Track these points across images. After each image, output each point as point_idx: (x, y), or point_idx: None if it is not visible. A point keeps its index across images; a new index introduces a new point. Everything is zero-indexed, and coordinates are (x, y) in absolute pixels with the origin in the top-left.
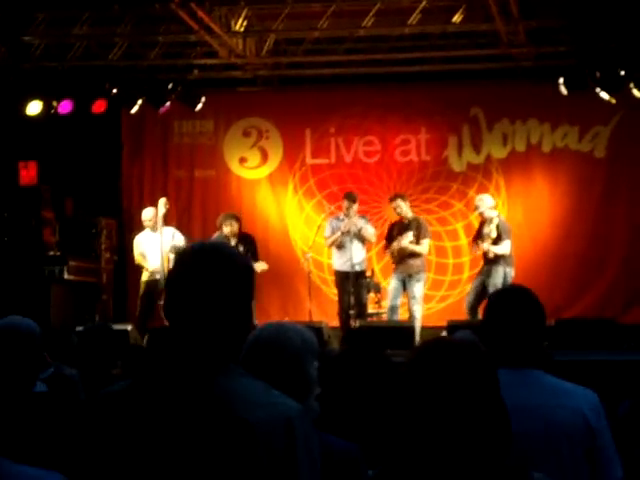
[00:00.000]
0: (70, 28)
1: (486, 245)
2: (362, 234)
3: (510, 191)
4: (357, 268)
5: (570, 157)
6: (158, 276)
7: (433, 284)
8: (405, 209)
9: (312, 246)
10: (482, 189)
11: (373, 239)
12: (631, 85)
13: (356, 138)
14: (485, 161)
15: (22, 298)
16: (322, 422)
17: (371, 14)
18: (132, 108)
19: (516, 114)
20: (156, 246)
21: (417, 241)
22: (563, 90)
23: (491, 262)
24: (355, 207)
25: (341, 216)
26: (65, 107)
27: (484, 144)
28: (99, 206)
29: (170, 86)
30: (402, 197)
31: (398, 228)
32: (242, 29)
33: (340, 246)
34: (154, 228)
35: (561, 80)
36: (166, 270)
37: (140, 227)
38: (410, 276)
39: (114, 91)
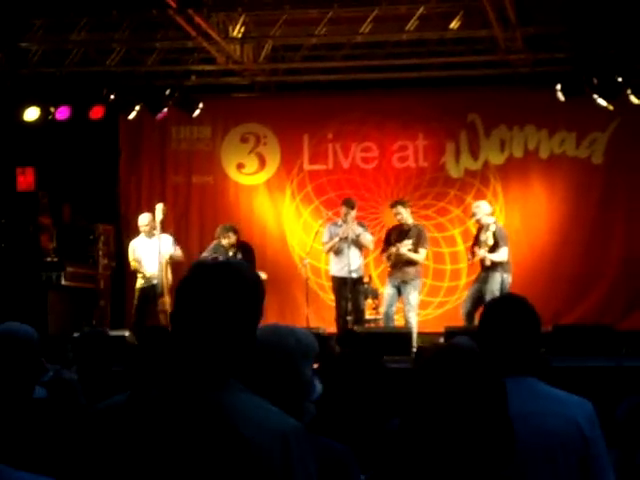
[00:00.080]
0: (68, 34)
1: (482, 252)
2: (360, 241)
3: (507, 197)
4: (354, 274)
5: (567, 163)
6: (155, 282)
7: (430, 290)
8: (406, 215)
9: (310, 252)
10: (480, 195)
11: (371, 246)
12: (628, 91)
13: (354, 144)
14: (483, 167)
15: (19, 304)
16: (316, 424)
17: (369, 20)
18: (130, 114)
19: (514, 120)
20: (153, 252)
21: (415, 249)
22: (560, 96)
23: (488, 269)
24: (353, 213)
25: (339, 222)
26: (63, 113)
27: (482, 150)
28: (97, 212)
29: (168, 92)
30: (403, 203)
31: (397, 233)
32: (240, 35)
33: (338, 252)
34: (150, 234)
35: (558, 86)
36: (164, 276)
37: (138, 233)
38: (405, 283)
39: (112, 97)
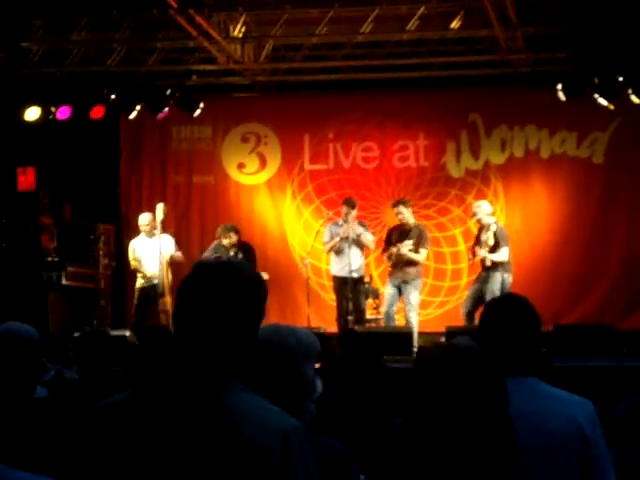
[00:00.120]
0: (68, 34)
1: (483, 252)
2: (361, 240)
3: (508, 197)
4: (355, 274)
5: (568, 163)
6: (156, 281)
7: (431, 290)
8: (407, 215)
9: (310, 252)
10: (480, 195)
11: (372, 246)
12: (629, 91)
13: (354, 144)
14: (483, 167)
15: (20, 304)
16: (316, 424)
17: (369, 20)
18: (130, 114)
19: (514, 120)
20: (153, 252)
21: (416, 249)
22: (561, 96)
23: (489, 269)
24: (354, 213)
25: (340, 222)
26: (63, 113)
27: (482, 150)
28: (97, 212)
29: (168, 92)
30: (405, 203)
31: (398, 233)
32: (240, 35)
33: (338, 252)
34: (150, 233)
35: (559, 86)
36: (164, 276)
37: (138, 233)
38: (406, 282)
39: (112, 97)
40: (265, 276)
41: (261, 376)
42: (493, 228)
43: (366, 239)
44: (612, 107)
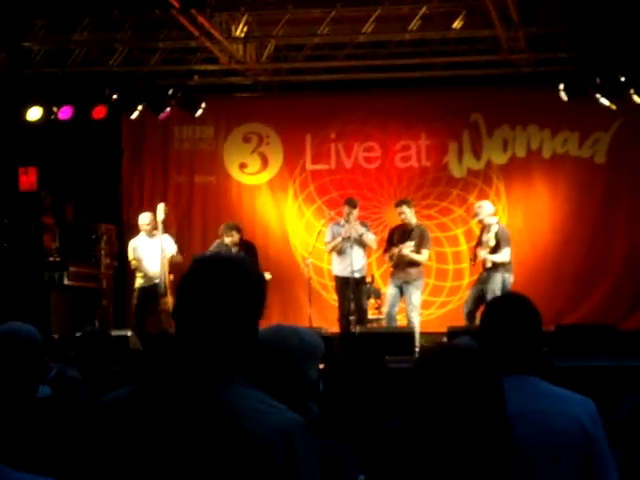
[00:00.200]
0: (70, 34)
1: (483, 254)
2: (363, 240)
3: (510, 197)
4: (357, 274)
5: (570, 163)
6: (157, 281)
7: (433, 290)
8: (409, 215)
9: (312, 252)
10: (482, 195)
11: (374, 245)
12: (631, 91)
13: (356, 144)
14: (485, 167)
15: (22, 304)
16: (317, 424)
17: (371, 20)
18: (132, 114)
19: (516, 120)
20: (154, 251)
21: (418, 250)
22: (563, 96)
23: (489, 269)
24: (355, 213)
25: (341, 222)
26: (65, 113)
27: (484, 150)
28: (99, 212)
29: (170, 92)
30: (408, 203)
31: (399, 233)
32: (242, 35)
33: (340, 252)
34: (150, 233)
35: (561, 86)
36: (166, 276)
37: (139, 232)
38: (407, 283)
39: (114, 97)
40: (267, 275)
41: (263, 377)
42: (494, 229)
43: (368, 239)
44: (614, 107)
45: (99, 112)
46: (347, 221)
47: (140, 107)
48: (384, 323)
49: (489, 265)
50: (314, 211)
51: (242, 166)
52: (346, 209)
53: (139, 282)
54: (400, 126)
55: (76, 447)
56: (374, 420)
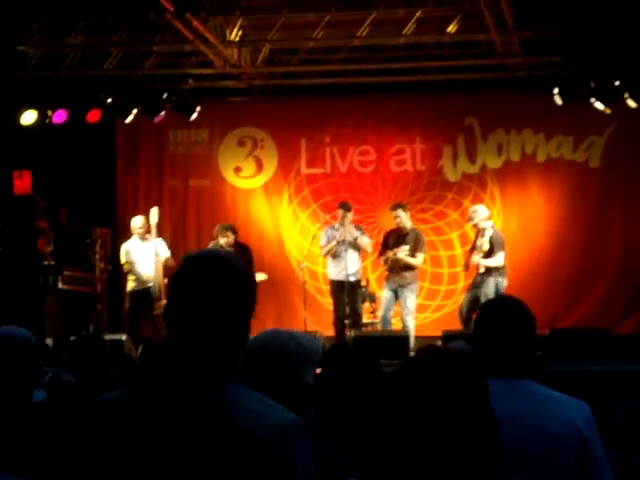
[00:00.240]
0: (65, 38)
1: (476, 259)
2: (358, 243)
3: (505, 201)
4: (352, 278)
5: (565, 167)
6: (151, 284)
7: (428, 294)
8: (405, 219)
9: (307, 256)
10: (477, 199)
11: (369, 248)
12: (626, 95)
13: (351, 148)
14: (480, 171)
15: (16, 308)
16: (312, 430)
17: (366, 24)
18: (127, 118)
19: (511, 124)
20: (147, 255)
21: (413, 254)
22: (558, 100)
23: (483, 273)
24: (350, 216)
25: (336, 225)
26: (60, 116)
27: (479, 154)
28: (94, 215)
29: (165, 96)
30: (403, 207)
31: (394, 237)
32: (237, 39)
33: (335, 255)
34: (143, 237)
35: (556, 90)
36: (160, 280)
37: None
38: (402, 287)
39: (109, 101)
40: (263, 276)
41: (260, 381)
42: (489, 233)
43: (363, 242)
44: (608, 111)
45: (94, 116)
46: (342, 225)
47: (135, 111)
48: (379, 327)
49: (482, 270)
50: (309, 215)
51: (237, 170)
52: (340, 213)
53: (131, 286)
54: (395, 130)
55: (72, 450)
56: (368, 424)
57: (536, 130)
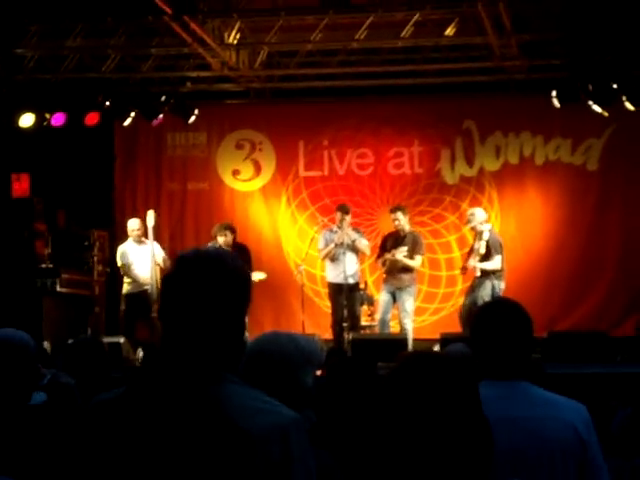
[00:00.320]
0: (63, 40)
1: (472, 262)
2: (356, 246)
3: (503, 203)
4: (350, 280)
5: (563, 170)
6: (147, 287)
7: (426, 296)
8: (403, 222)
9: (305, 258)
10: (475, 202)
11: (367, 251)
12: (623, 98)
13: (349, 150)
14: (478, 174)
15: (14, 310)
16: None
17: (364, 27)
18: (125, 120)
19: (509, 127)
20: (144, 257)
21: (411, 256)
22: (556, 103)
23: (480, 276)
24: (348, 219)
25: (334, 228)
26: (58, 119)
27: (477, 157)
28: (92, 218)
29: (163, 98)
30: (403, 210)
31: (392, 240)
32: (235, 42)
33: (334, 258)
34: (139, 239)
35: (554, 93)
36: (158, 282)
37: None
38: (400, 289)
39: (107, 103)
40: (262, 275)
41: (260, 383)
42: (486, 236)
43: (361, 244)
44: (606, 114)
45: (92, 119)
46: (340, 227)
47: (133, 114)
48: (377, 330)
49: (478, 274)
50: (307, 218)
51: (235, 173)
52: (338, 215)
53: (127, 288)
54: (393, 133)
55: (72, 452)
56: (365, 427)
57: (534, 133)
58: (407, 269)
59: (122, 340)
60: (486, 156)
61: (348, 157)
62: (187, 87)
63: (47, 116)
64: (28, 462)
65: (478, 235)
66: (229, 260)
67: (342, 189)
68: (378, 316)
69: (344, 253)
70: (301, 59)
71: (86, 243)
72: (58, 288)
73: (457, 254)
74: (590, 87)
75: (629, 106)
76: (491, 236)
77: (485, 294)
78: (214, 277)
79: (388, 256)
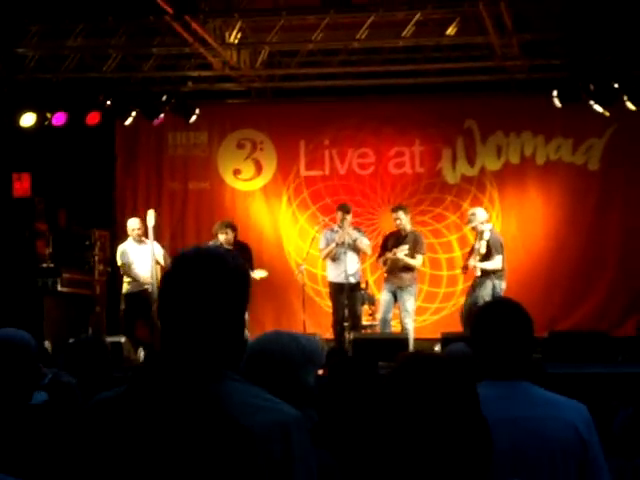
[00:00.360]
0: (64, 40)
1: (473, 262)
2: (357, 245)
3: (504, 203)
4: (351, 280)
5: (564, 169)
6: (148, 287)
7: (427, 296)
8: (405, 222)
9: (306, 258)
10: (476, 201)
11: (369, 250)
12: (625, 97)
13: (350, 150)
14: (479, 173)
15: (15, 310)
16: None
17: (365, 26)
18: (126, 120)
19: (510, 126)
20: (144, 257)
21: (412, 255)
22: (557, 102)
23: (481, 276)
24: (349, 218)
25: (335, 228)
26: (59, 119)
27: (478, 156)
28: (93, 218)
29: (164, 98)
30: (404, 209)
31: (394, 239)
32: (236, 41)
33: (335, 258)
34: (139, 238)
35: (555, 92)
36: (158, 281)
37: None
38: (401, 289)
39: (108, 103)
40: (264, 273)
41: (261, 383)
42: (486, 236)
43: (362, 244)
44: (607, 114)
45: (93, 118)
46: (341, 227)
47: (134, 113)
48: (378, 329)
49: (478, 273)
50: (308, 217)
51: (236, 172)
52: (339, 215)
53: (126, 288)
54: (394, 132)
55: (73, 449)
56: (366, 427)
57: (535, 132)
58: (408, 268)
59: (123, 340)
60: (487, 156)
61: (349, 157)
62: (188, 87)
63: (48, 116)
64: (29, 462)
65: (479, 235)
66: (229, 258)
67: (343, 189)
68: (379, 316)
69: (345, 253)
70: (302, 59)
71: (87, 243)
72: (59, 288)
73: (458, 254)
74: (591, 87)
75: (630, 106)
76: (492, 236)
77: (486, 294)
78: (214, 275)
79: (389, 255)
